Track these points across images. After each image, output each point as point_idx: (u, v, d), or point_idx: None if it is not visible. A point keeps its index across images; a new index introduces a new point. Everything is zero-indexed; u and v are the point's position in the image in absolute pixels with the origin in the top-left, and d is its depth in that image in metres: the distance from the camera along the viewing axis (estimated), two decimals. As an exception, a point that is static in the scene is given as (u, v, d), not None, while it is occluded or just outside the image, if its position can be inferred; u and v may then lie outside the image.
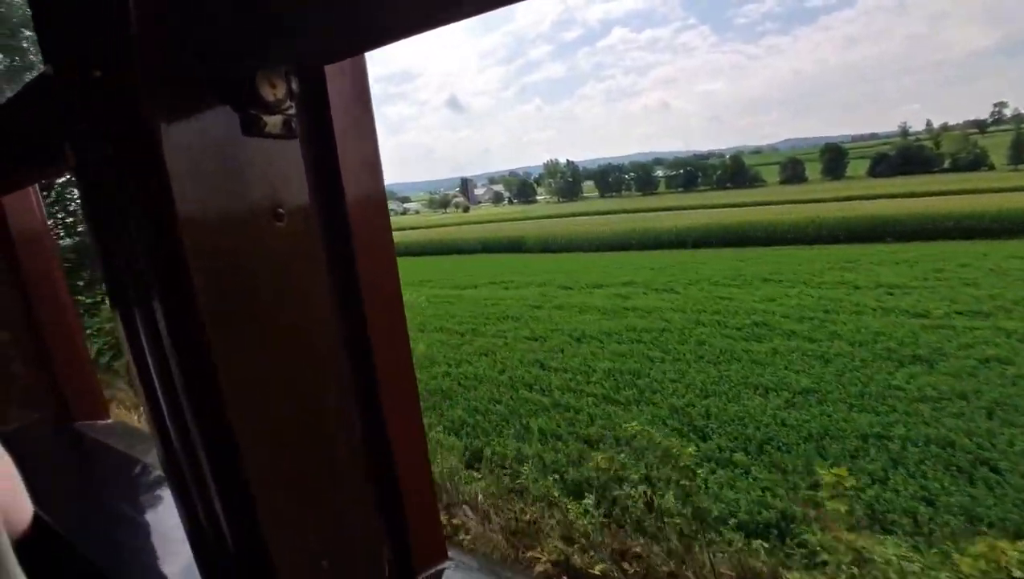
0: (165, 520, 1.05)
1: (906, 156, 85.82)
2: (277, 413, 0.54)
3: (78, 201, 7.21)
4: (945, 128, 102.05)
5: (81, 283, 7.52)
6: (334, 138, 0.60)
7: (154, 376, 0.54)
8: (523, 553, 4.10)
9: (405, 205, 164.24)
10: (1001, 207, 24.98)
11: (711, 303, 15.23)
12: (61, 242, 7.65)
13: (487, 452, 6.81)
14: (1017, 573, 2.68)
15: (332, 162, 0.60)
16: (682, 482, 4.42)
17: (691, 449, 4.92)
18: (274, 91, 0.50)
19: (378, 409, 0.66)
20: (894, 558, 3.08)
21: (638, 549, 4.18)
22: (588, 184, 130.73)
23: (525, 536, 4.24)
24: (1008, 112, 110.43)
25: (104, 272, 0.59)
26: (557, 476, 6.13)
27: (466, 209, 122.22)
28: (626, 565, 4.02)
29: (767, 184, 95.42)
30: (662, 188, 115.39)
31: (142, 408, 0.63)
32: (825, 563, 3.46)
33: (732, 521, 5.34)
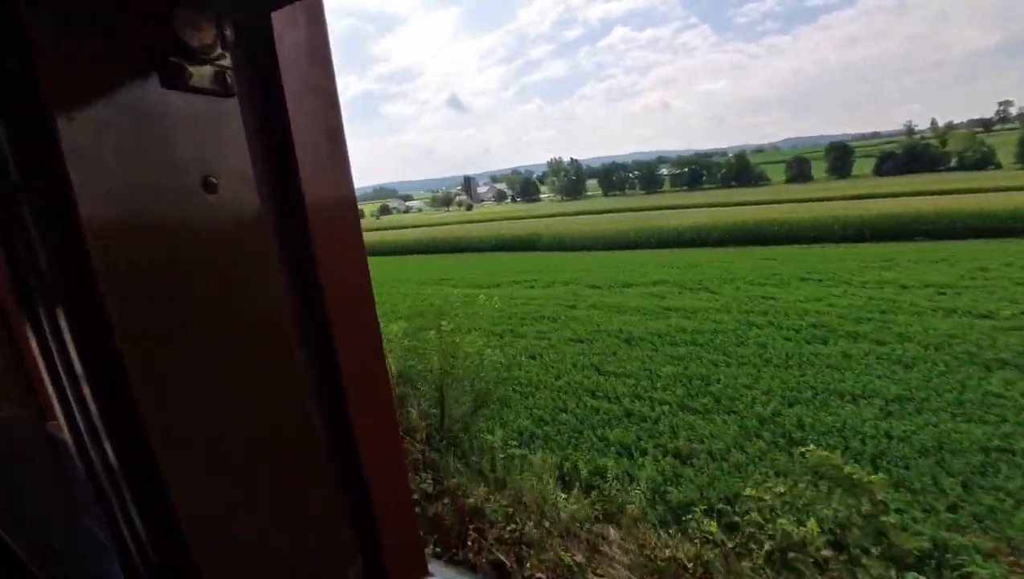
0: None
1: (912, 154, 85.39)
2: (214, 426, 0.47)
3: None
4: (950, 127, 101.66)
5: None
6: (284, 100, 0.51)
7: (68, 393, 0.45)
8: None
9: (408, 203, 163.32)
10: (1019, 205, 24.51)
11: (755, 303, 14.65)
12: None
13: (577, 469, 6.19)
14: None
15: (281, 127, 0.52)
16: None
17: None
18: (199, 35, 0.42)
19: (345, 415, 0.61)
20: None
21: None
22: (591, 182, 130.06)
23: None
24: (1014, 111, 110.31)
25: (9, 273, 0.47)
26: (664, 497, 5.51)
27: (469, 207, 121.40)
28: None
29: (772, 182, 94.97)
30: (666, 186, 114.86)
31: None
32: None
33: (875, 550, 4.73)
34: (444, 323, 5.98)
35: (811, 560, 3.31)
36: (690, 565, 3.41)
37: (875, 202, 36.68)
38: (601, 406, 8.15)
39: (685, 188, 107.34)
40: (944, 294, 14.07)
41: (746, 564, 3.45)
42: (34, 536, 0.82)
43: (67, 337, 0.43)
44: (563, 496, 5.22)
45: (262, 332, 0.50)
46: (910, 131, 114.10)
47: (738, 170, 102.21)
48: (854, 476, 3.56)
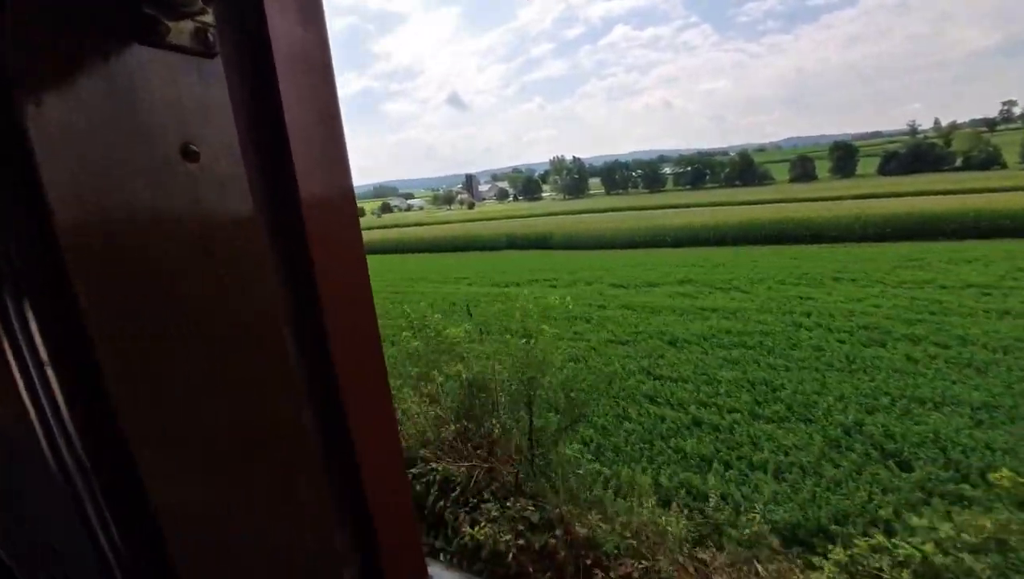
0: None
1: (917, 154, 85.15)
2: (200, 425, 0.44)
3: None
4: (954, 126, 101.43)
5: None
6: (274, 66, 0.48)
7: (38, 389, 0.41)
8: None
9: (409, 201, 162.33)
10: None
11: (794, 304, 14.22)
12: None
13: (661, 485, 5.71)
14: None
15: (270, 93, 0.49)
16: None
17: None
18: None
19: (341, 414, 0.58)
20: None
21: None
22: (594, 181, 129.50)
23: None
24: (1017, 111, 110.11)
25: None
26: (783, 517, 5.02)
27: (471, 206, 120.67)
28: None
29: (776, 182, 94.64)
30: (669, 185, 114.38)
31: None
32: None
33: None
34: (516, 324, 5.46)
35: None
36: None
37: (890, 201, 36.27)
38: (665, 413, 7.66)
39: (689, 187, 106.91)
40: (989, 295, 13.66)
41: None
42: (34, 536, 0.75)
43: (34, 327, 0.38)
44: (672, 519, 4.71)
45: (244, 316, 0.47)
46: (913, 131, 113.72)
47: (742, 169, 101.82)
48: None
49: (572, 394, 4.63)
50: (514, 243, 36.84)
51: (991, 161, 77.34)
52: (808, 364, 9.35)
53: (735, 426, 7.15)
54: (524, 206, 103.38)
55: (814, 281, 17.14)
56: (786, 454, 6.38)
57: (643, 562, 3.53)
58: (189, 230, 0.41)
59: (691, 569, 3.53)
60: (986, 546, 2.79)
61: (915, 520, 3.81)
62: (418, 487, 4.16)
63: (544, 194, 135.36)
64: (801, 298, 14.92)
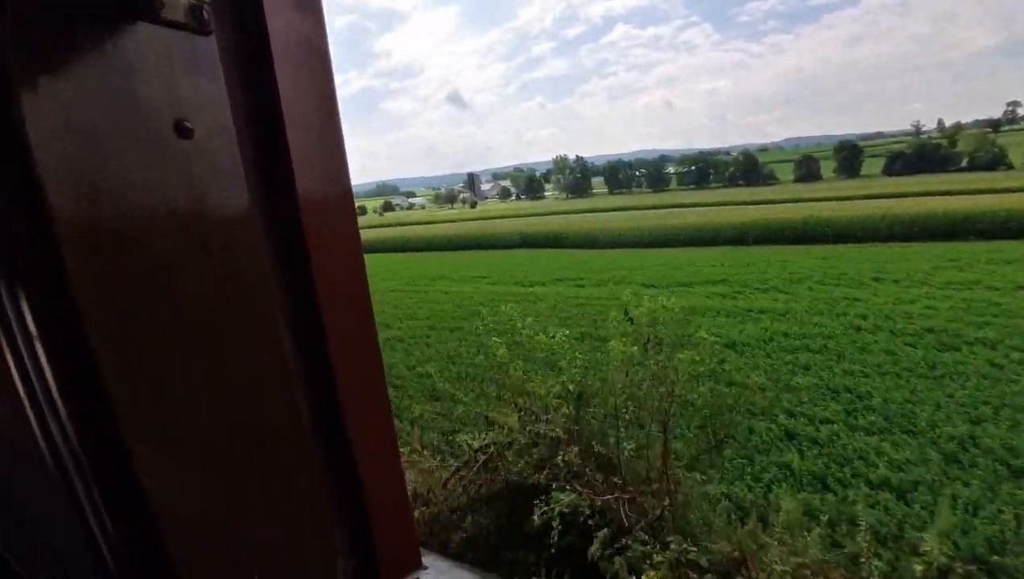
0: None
1: (922, 154, 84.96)
2: (195, 422, 0.42)
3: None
4: (959, 127, 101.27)
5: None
6: (269, 48, 0.47)
7: (33, 380, 0.40)
8: None
9: (411, 200, 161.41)
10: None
11: (842, 305, 13.72)
12: None
13: (781, 509, 5.15)
14: None
15: (265, 75, 0.48)
16: None
17: None
18: None
19: (337, 411, 0.57)
20: None
21: None
22: (596, 180, 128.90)
23: None
24: (1022, 112, 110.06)
25: None
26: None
27: (473, 205, 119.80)
28: None
29: (780, 181, 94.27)
30: (672, 185, 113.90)
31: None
32: None
33: None
34: (614, 328, 4.90)
35: None
36: None
37: (909, 201, 35.76)
38: (753, 425, 7.12)
39: (693, 187, 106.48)
40: (1045, 296, 13.19)
41: None
42: (34, 536, 0.71)
43: (29, 320, 0.37)
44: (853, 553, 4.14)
45: (247, 317, 0.46)
46: (917, 131, 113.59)
47: (746, 169, 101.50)
48: None
49: (716, 411, 4.07)
50: (526, 242, 36.24)
51: (997, 162, 77.14)
52: (886, 370, 8.83)
53: (834, 439, 6.62)
54: (528, 205, 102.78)
55: (854, 282, 16.65)
56: (903, 471, 5.85)
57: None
58: (180, 199, 0.39)
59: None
60: None
61: None
62: (556, 525, 3.55)
63: (547, 193, 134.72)
64: (847, 299, 14.42)
